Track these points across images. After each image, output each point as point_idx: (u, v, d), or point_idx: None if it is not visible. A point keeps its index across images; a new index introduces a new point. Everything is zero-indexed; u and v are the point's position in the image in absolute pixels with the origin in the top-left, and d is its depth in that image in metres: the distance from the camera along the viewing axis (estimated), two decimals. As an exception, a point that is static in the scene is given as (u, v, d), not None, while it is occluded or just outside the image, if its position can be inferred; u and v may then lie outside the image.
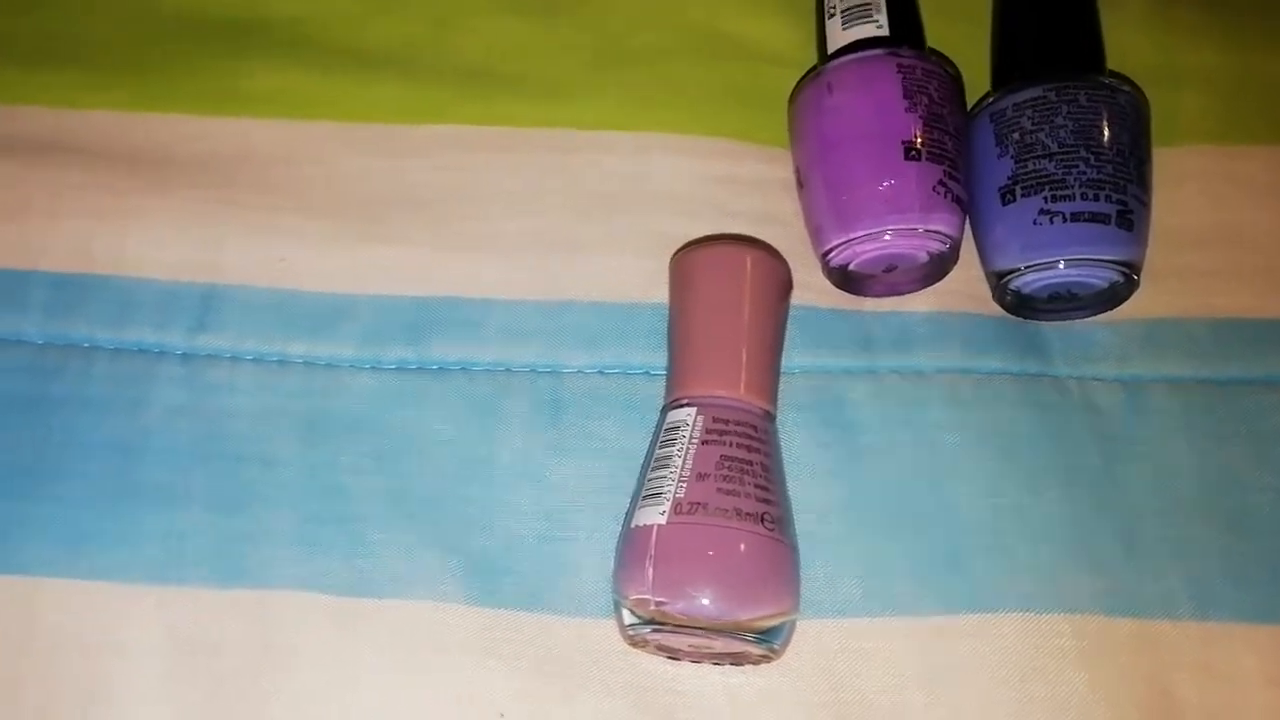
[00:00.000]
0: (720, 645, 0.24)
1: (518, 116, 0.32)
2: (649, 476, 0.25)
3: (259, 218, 0.30)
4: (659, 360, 0.28)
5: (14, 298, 0.29)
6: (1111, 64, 0.31)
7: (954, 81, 0.29)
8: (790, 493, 0.26)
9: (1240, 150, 0.32)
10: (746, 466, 0.24)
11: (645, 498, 0.25)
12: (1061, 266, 0.27)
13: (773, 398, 0.26)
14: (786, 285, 0.28)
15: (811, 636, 0.26)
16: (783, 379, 0.28)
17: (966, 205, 0.28)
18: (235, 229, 0.30)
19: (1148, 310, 0.30)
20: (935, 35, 0.31)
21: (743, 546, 0.23)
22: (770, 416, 0.26)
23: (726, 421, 0.25)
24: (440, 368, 0.29)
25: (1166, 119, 0.32)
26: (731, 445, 0.25)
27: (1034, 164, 0.28)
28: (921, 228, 0.27)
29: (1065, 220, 0.27)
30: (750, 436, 0.25)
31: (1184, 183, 0.31)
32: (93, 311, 0.29)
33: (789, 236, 0.30)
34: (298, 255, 0.30)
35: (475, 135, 0.31)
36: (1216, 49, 0.33)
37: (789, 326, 0.28)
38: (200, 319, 0.29)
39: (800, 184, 0.30)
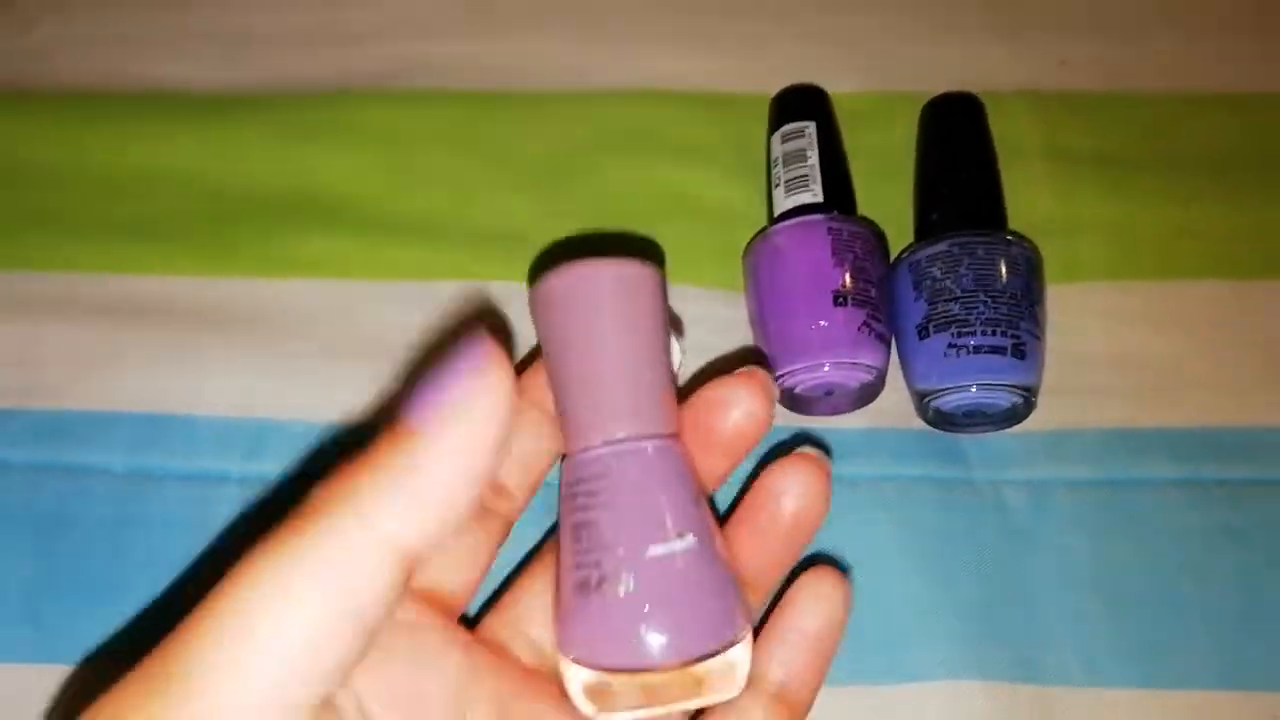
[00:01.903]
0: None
1: (524, 272, 0.37)
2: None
3: (305, 364, 0.35)
4: None
5: (101, 435, 0.34)
6: (1018, 216, 0.36)
7: (877, 239, 0.34)
8: None
9: (1130, 285, 0.37)
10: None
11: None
12: (974, 390, 0.33)
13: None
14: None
15: (764, 703, 0.31)
16: (735, 484, 0.32)
17: (889, 339, 0.34)
18: (290, 372, 0.35)
19: (1050, 423, 0.34)
20: (876, 192, 0.37)
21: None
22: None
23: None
24: None
25: (1066, 260, 0.37)
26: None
27: (943, 306, 0.33)
28: (851, 360, 0.32)
29: (970, 352, 0.32)
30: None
31: (1082, 314, 0.36)
32: (168, 445, 0.34)
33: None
34: (344, 395, 0.34)
35: (491, 289, 0.36)
36: (1108, 200, 0.38)
37: None
38: (253, 449, 0.34)
39: (753, 322, 0.35)
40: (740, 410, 0.27)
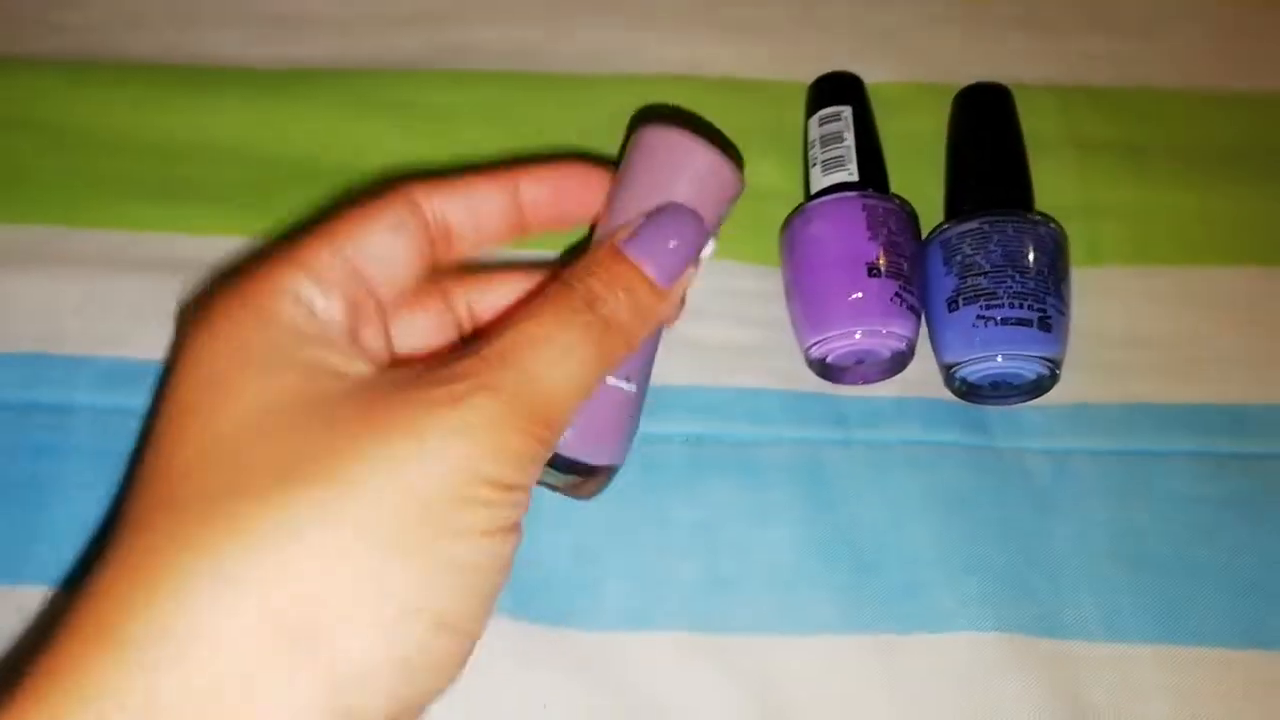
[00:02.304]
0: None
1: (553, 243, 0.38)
2: None
3: None
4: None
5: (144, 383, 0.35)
6: (1044, 202, 0.37)
7: (910, 217, 0.36)
8: (775, 535, 0.33)
9: (1150, 270, 0.38)
10: None
11: None
12: (1000, 360, 0.34)
13: None
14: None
15: (794, 651, 0.32)
16: (771, 446, 0.34)
17: (920, 312, 0.35)
18: None
19: (1073, 396, 0.36)
20: (907, 176, 0.38)
21: None
22: None
23: None
24: None
25: (1090, 244, 0.38)
26: None
27: (972, 280, 0.34)
28: (883, 329, 0.34)
29: (997, 324, 0.34)
30: None
31: (1105, 296, 0.38)
32: None
33: (779, 335, 0.36)
34: None
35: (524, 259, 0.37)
36: (1130, 188, 0.40)
37: (777, 403, 0.35)
38: None
39: (788, 294, 0.37)
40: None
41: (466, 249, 0.29)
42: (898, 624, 0.32)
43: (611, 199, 0.29)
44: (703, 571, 0.33)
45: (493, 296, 0.31)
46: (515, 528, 0.24)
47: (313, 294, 0.25)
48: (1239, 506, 0.34)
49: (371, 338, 0.27)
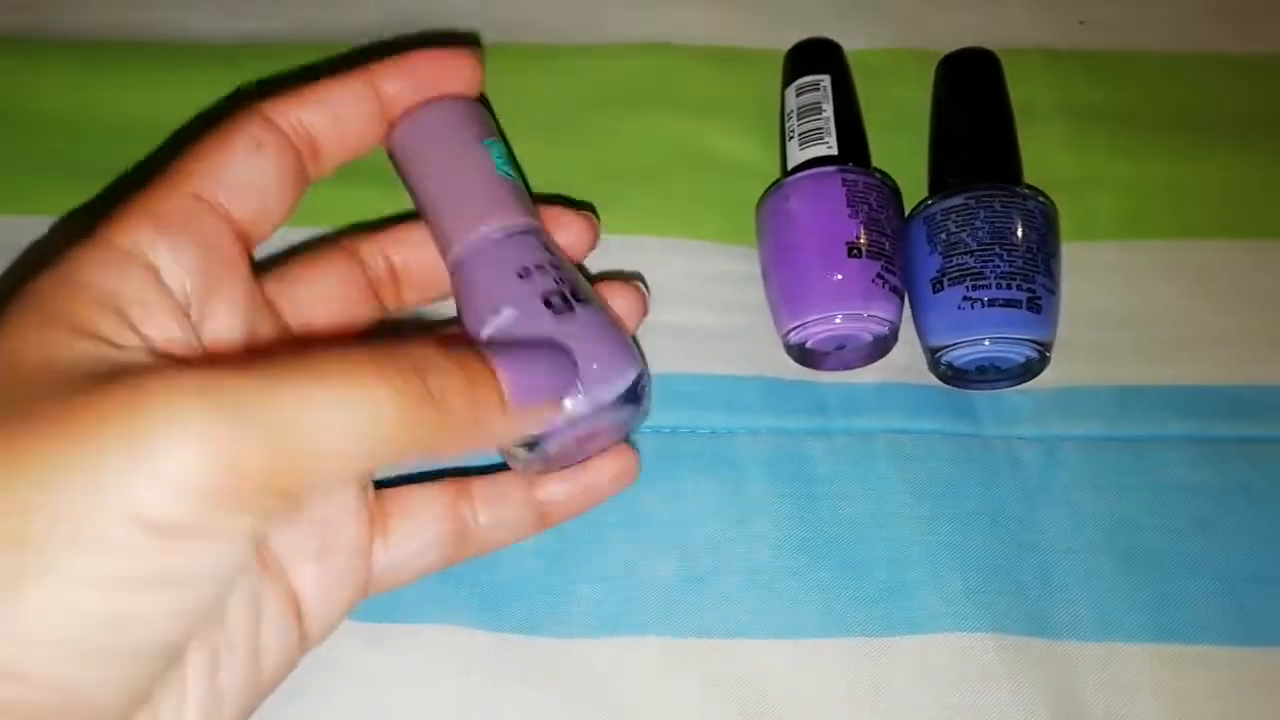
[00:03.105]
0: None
1: None
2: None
3: None
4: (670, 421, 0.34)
5: None
6: (1034, 174, 0.36)
7: (892, 192, 0.34)
8: (754, 531, 0.31)
9: (1144, 244, 0.37)
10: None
11: None
12: (987, 344, 0.33)
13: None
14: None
15: (774, 654, 0.30)
16: (749, 437, 0.33)
17: (903, 294, 0.34)
18: None
19: (1063, 379, 0.34)
20: (889, 148, 0.37)
21: None
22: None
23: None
24: None
25: (1081, 218, 0.37)
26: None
27: (957, 259, 0.33)
28: (865, 313, 0.32)
29: (984, 305, 0.32)
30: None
31: (1096, 272, 0.36)
32: None
33: (756, 319, 0.35)
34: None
35: None
36: (1125, 160, 0.38)
37: (753, 391, 0.34)
38: None
39: (765, 276, 0.35)
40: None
41: (335, 158, 0.27)
42: (882, 625, 0.31)
43: (424, 210, 0.29)
44: (678, 572, 0.32)
45: (411, 248, 0.29)
46: (176, 583, 0.19)
47: (151, 242, 0.23)
48: (1238, 494, 0.32)
49: (222, 309, 0.24)
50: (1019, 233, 0.33)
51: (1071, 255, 0.35)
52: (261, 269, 0.27)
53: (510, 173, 0.28)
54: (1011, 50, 0.38)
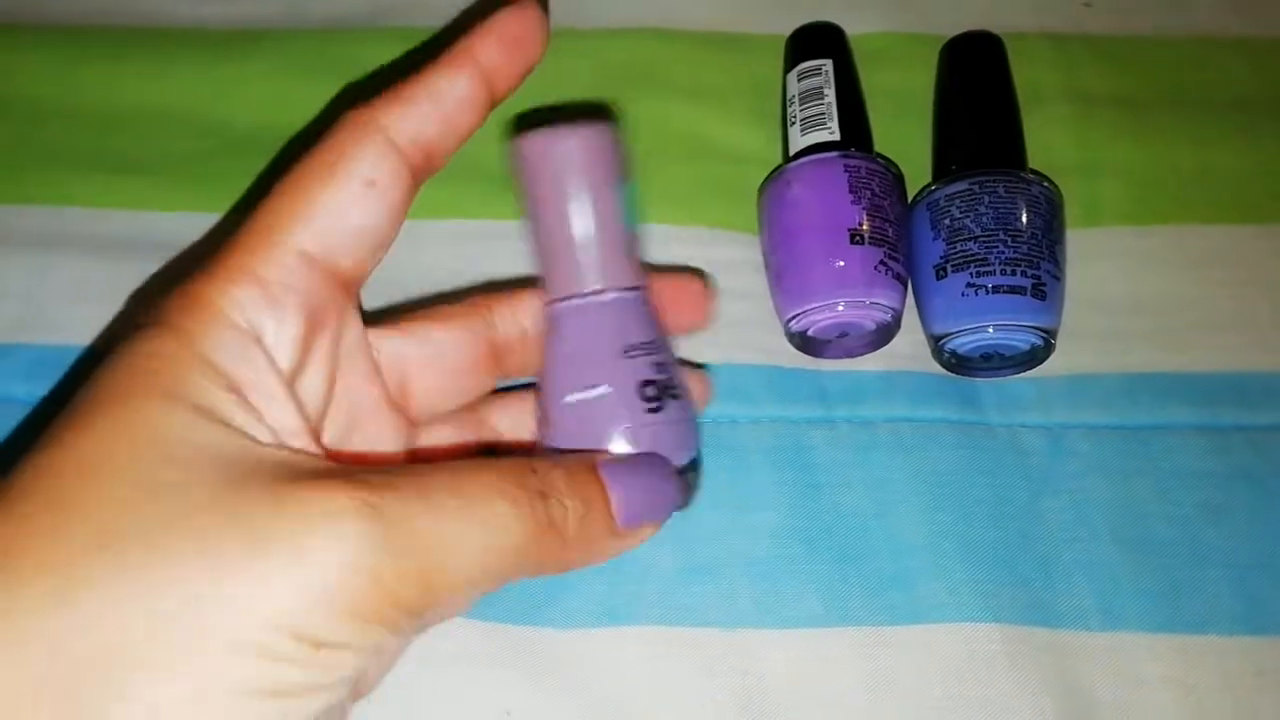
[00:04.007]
0: None
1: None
2: None
3: None
4: None
5: None
6: (1038, 159, 0.35)
7: (895, 178, 0.34)
8: (755, 521, 0.31)
9: (1150, 230, 0.36)
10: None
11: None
12: (991, 331, 0.32)
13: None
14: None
15: (775, 645, 0.30)
16: (750, 426, 0.32)
17: (906, 280, 0.33)
18: None
19: (1069, 367, 0.34)
20: (892, 134, 0.36)
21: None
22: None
23: None
24: None
25: (1087, 203, 0.36)
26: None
27: (961, 245, 0.32)
28: (867, 300, 0.32)
29: (988, 292, 0.32)
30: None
31: (1102, 258, 0.36)
32: None
33: (757, 307, 0.34)
34: None
35: (493, 228, 0.36)
36: (1129, 144, 0.38)
37: (755, 379, 0.33)
38: None
39: (766, 263, 0.35)
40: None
41: (446, 157, 0.25)
42: (885, 615, 0.30)
43: (531, 232, 0.27)
44: (678, 561, 0.31)
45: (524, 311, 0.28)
46: (310, 691, 0.19)
47: (259, 315, 0.22)
48: (1246, 483, 0.32)
49: (316, 371, 0.23)
50: (1023, 218, 0.32)
51: (1076, 242, 0.35)
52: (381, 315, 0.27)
53: (636, 226, 0.27)
54: (1016, 34, 0.38)
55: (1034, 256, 0.32)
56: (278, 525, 0.19)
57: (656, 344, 0.26)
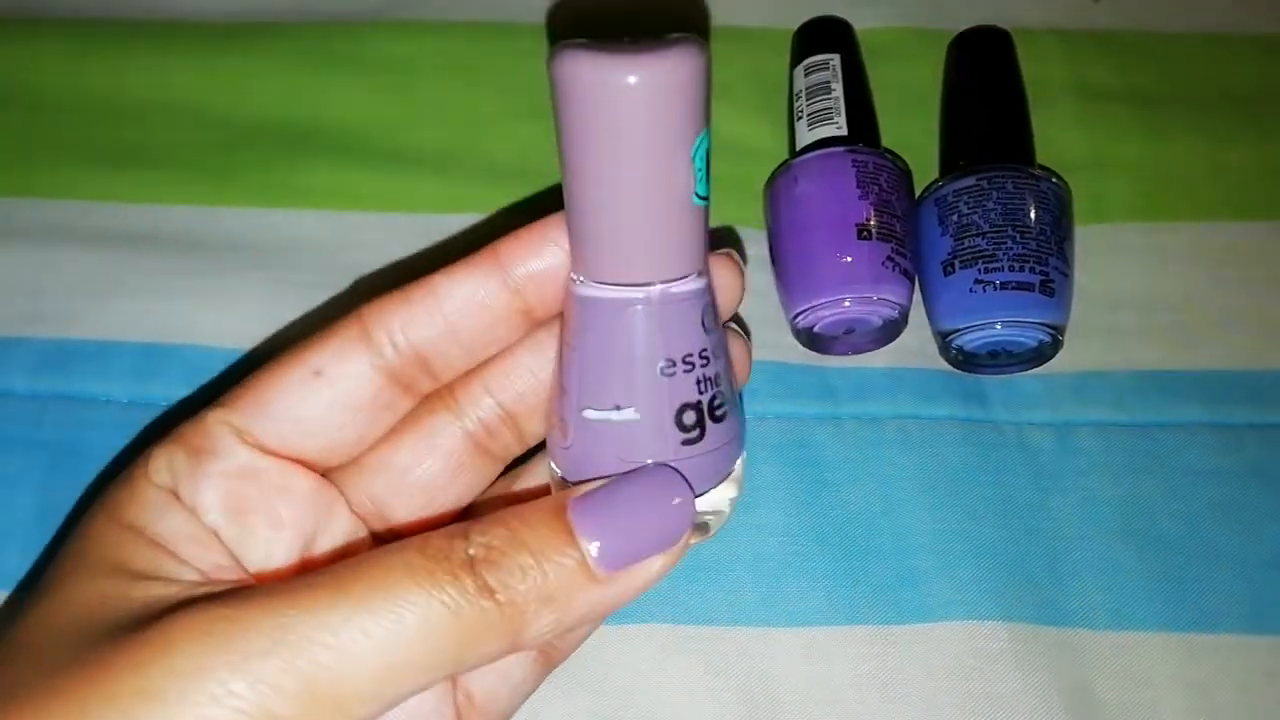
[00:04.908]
0: None
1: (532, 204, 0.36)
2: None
3: (310, 294, 0.34)
4: None
5: (104, 364, 0.33)
6: (1047, 155, 0.35)
7: (902, 174, 0.34)
8: (761, 519, 0.31)
9: (1159, 226, 0.36)
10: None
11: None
12: (999, 327, 0.32)
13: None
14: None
15: (783, 643, 0.30)
16: (756, 423, 0.32)
17: (913, 276, 0.33)
18: (290, 304, 0.34)
19: (1077, 364, 0.34)
20: (900, 129, 0.36)
21: None
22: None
23: None
24: None
25: (1095, 200, 0.36)
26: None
27: (969, 241, 0.32)
28: (874, 296, 0.32)
29: (996, 288, 0.31)
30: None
31: (1111, 255, 0.35)
32: (169, 376, 0.33)
33: (764, 303, 0.34)
34: None
35: (499, 220, 0.36)
36: (1138, 140, 0.38)
37: (761, 376, 0.33)
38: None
39: (773, 259, 0.34)
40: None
41: (454, 367, 0.23)
42: (892, 613, 0.30)
43: (567, 181, 0.21)
44: (684, 559, 0.31)
45: (524, 375, 0.25)
46: None
47: (178, 474, 0.22)
48: (1255, 480, 0.32)
49: (264, 534, 0.23)
50: (1032, 214, 0.32)
51: (1085, 238, 0.35)
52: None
53: (707, 195, 0.20)
54: (1024, 30, 0.38)
55: (1042, 253, 0.32)
56: (136, 670, 0.18)
57: (707, 351, 0.22)
